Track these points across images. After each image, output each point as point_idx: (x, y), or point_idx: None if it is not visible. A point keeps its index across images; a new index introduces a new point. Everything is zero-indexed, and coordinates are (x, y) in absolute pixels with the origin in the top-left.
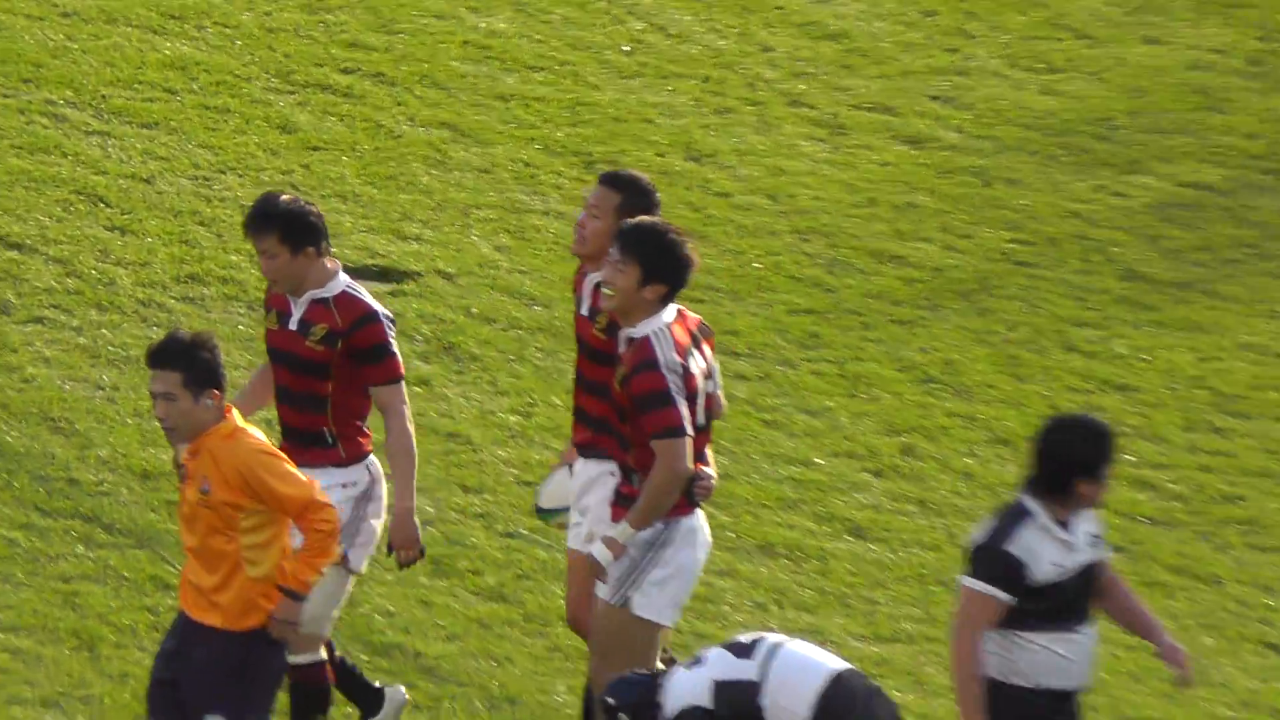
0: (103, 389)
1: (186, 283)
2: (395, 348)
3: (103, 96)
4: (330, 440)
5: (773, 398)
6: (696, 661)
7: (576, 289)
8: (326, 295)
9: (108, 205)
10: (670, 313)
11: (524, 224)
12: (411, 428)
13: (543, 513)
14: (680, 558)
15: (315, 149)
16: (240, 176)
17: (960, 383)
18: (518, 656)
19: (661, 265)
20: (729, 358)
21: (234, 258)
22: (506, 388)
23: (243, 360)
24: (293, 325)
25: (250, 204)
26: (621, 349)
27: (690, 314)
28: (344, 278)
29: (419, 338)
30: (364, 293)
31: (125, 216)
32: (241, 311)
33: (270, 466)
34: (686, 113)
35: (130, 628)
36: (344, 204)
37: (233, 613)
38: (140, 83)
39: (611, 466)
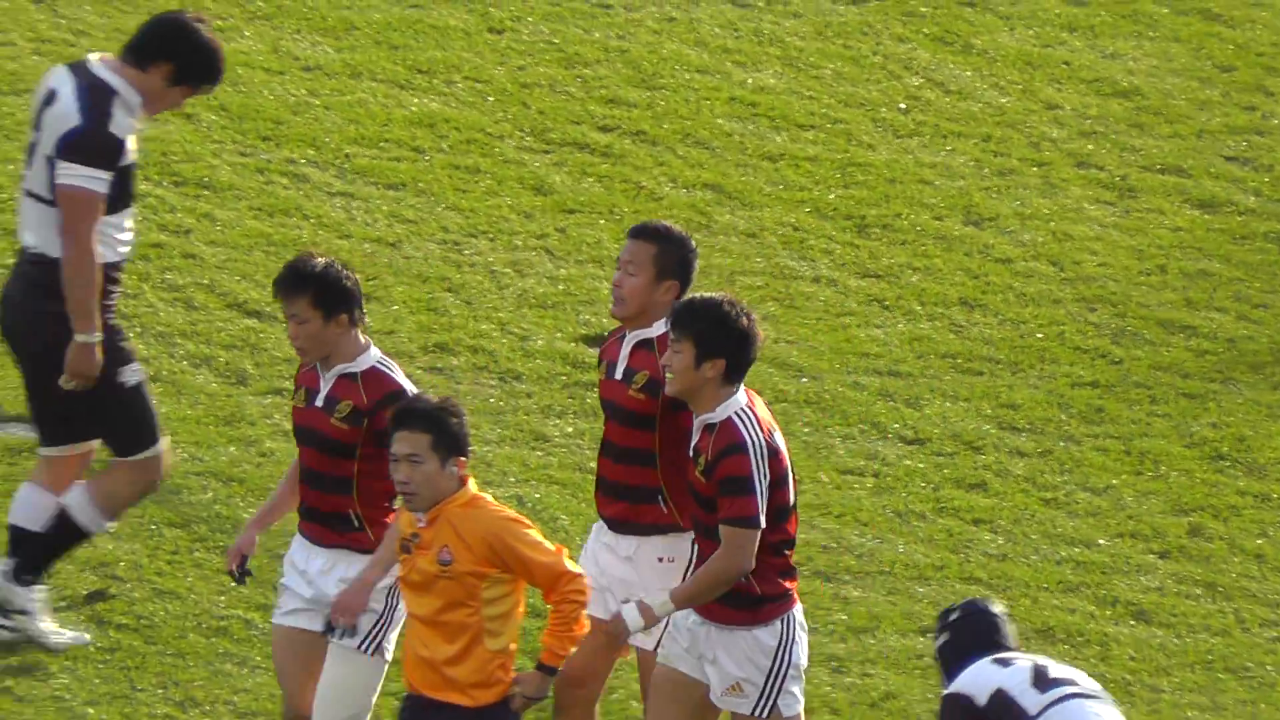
0: None
1: (434, 352)
2: None
3: (346, 155)
4: (356, 523)
5: (1053, 475)
6: (1007, 662)
7: (607, 354)
8: (355, 370)
9: (353, 271)
10: (743, 394)
11: (792, 291)
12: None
13: None
14: (801, 652)
15: (571, 211)
16: (491, 240)
17: (1253, 460)
18: None
19: (717, 340)
20: (1008, 432)
21: (484, 326)
22: None
23: (492, 434)
24: (319, 403)
25: (495, 268)
26: (697, 436)
27: (756, 396)
28: (375, 352)
29: None
30: (395, 369)
31: (370, 283)
32: (492, 384)
33: (519, 534)
34: (966, 174)
35: (374, 714)
36: (601, 269)
37: (472, 687)
38: (386, 141)
39: (652, 539)
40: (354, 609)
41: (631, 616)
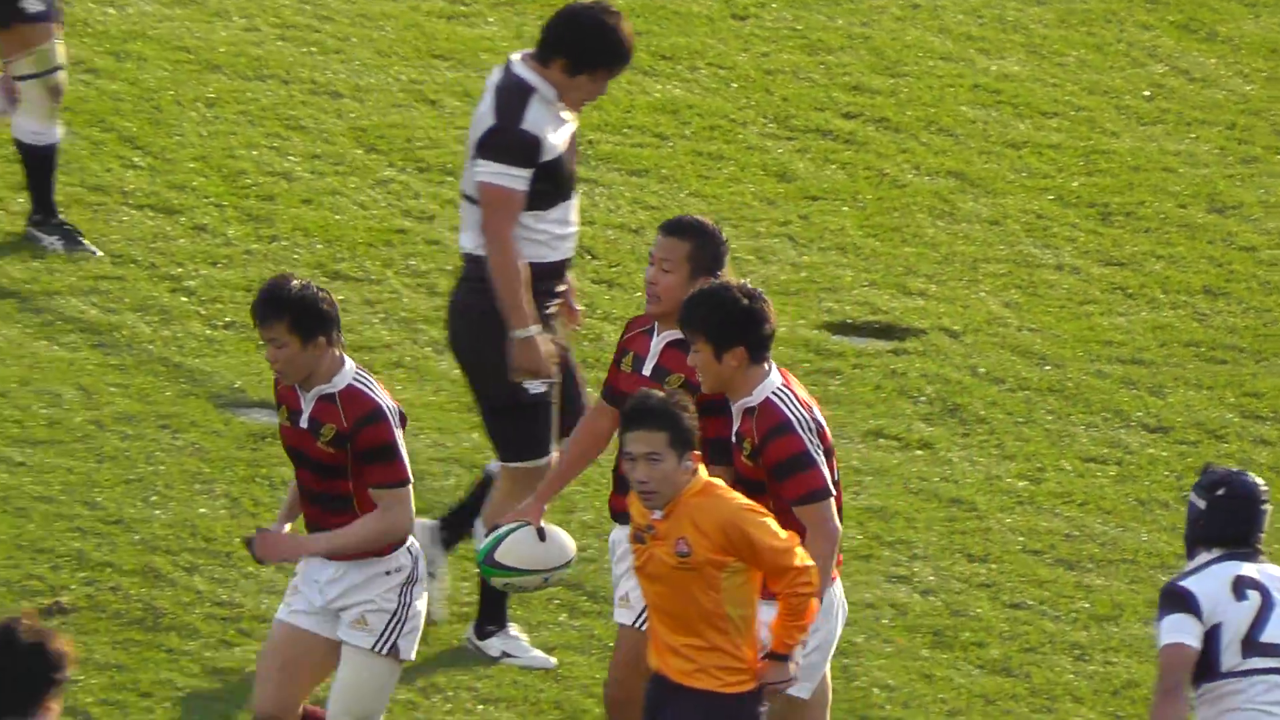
0: None
1: None
2: (402, 448)
3: (590, 142)
4: None
5: None
6: (1242, 594)
7: (633, 345)
8: (333, 391)
9: (595, 257)
10: (776, 374)
11: (1035, 279)
12: (392, 534)
13: (497, 568)
14: (826, 629)
15: (814, 198)
16: (735, 227)
17: None
18: None
19: (727, 329)
20: (1251, 421)
21: None
22: (1014, 452)
23: None
24: (303, 424)
25: (738, 255)
26: (738, 421)
27: (791, 375)
28: (351, 368)
29: (922, 398)
30: (373, 385)
31: (613, 269)
32: None
33: (754, 521)
34: (1210, 162)
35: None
36: (844, 256)
37: (721, 672)
38: (629, 127)
39: None
40: (276, 554)
41: (779, 670)
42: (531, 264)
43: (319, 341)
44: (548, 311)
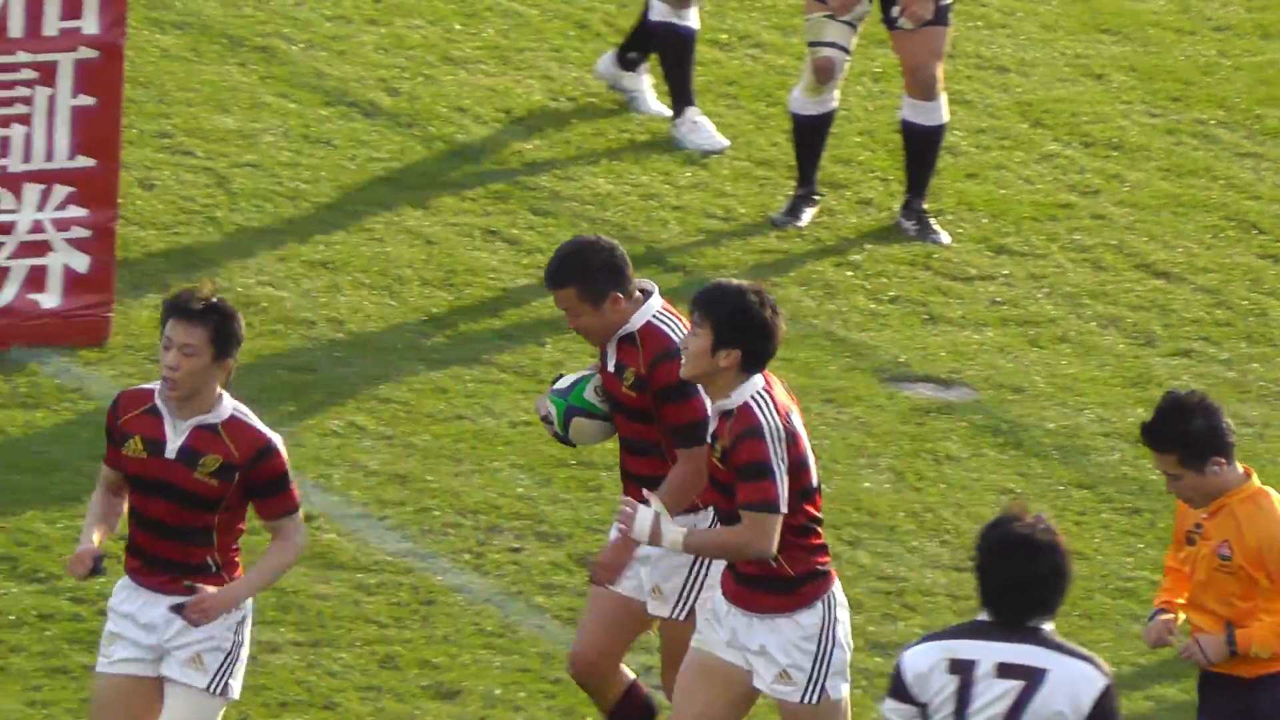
0: (1251, 425)
1: None
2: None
3: (1256, 117)
4: (214, 569)
5: None
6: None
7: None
8: (214, 421)
9: (1260, 232)
10: (759, 379)
11: None
12: (298, 556)
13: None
14: (844, 632)
15: None
16: None
17: None
18: None
19: (737, 329)
20: None
21: None
22: None
23: None
24: (170, 454)
25: None
26: (714, 423)
27: (774, 378)
28: (230, 400)
29: None
30: (254, 418)
31: (1279, 244)
32: None
33: None
34: None
35: None
36: None
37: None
38: None
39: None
40: (213, 614)
41: (643, 522)
42: None
43: (226, 364)
44: None
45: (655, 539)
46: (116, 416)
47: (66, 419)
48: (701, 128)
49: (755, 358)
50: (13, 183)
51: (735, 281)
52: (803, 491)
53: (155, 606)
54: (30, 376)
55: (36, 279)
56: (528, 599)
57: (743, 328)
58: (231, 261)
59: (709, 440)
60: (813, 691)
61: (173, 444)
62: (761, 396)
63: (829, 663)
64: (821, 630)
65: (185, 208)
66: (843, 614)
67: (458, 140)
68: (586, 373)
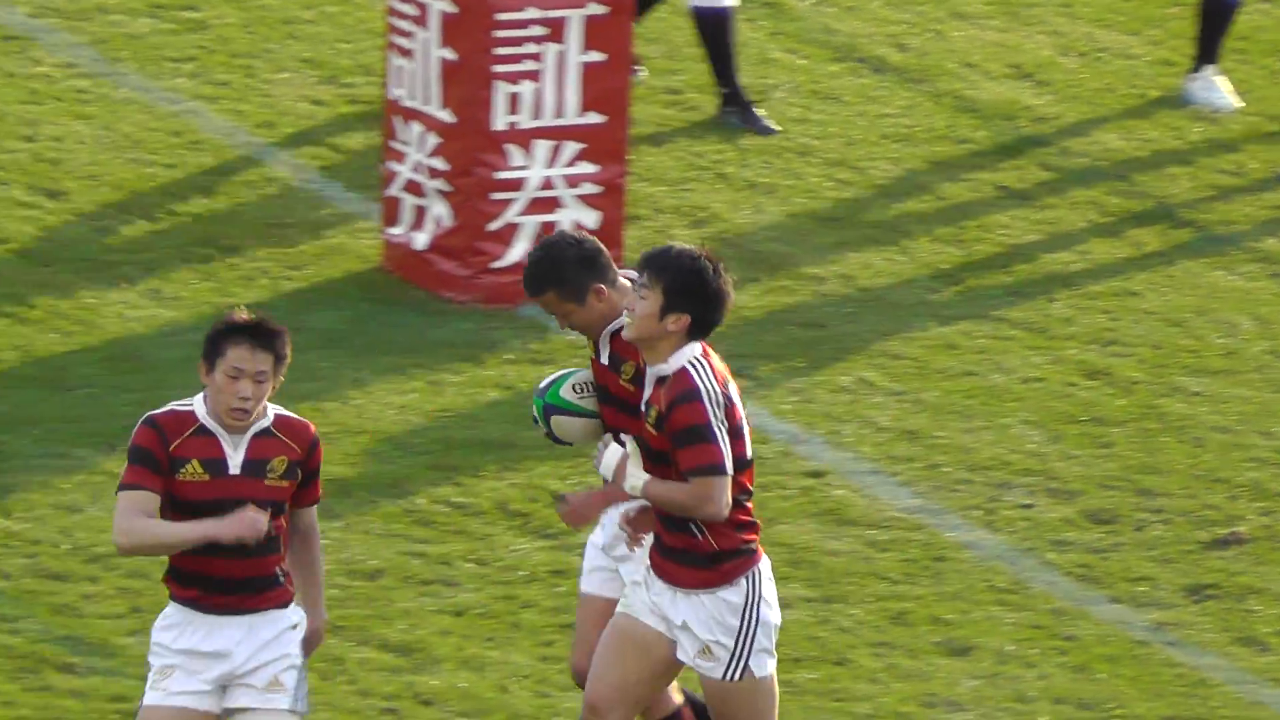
0: None
1: None
2: None
3: None
4: (280, 579)
5: None
6: None
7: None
8: (265, 424)
9: None
10: (697, 347)
11: None
12: None
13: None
14: (770, 609)
15: None
16: None
17: None
18: None
19: (687, 294)
20: None
21: None
22: None
23: None
24: (237, 470)
25: None
26: (649, 390)
27: (710, 348)
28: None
29: None
30: (283, 408)
31: None
32: None
33: None
34: None
35: None
36: None
37: None
38: None
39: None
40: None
41: (611, 458)
42: None
43: (278, 383)
44: None
45: (619, 477)
46: (166, 444)
47: None
48: (1216, 86)
49: (702, 325)
50: (523, 139)
51: (688, 246)
52: (737, 461)
53: (223, 630)
54: (541, 332)
55: None
56: (1039, 555)
57: (695, 293)
58: (739, 217)
59: (641, 408)
60: (735, 668)
61: (234, 460)
62: (699, 362)
63: (752, 640)
64: (745, 607)
65: (694, 164)
66: (770, 591)
67: (966, 95)
68: (565, 371)
